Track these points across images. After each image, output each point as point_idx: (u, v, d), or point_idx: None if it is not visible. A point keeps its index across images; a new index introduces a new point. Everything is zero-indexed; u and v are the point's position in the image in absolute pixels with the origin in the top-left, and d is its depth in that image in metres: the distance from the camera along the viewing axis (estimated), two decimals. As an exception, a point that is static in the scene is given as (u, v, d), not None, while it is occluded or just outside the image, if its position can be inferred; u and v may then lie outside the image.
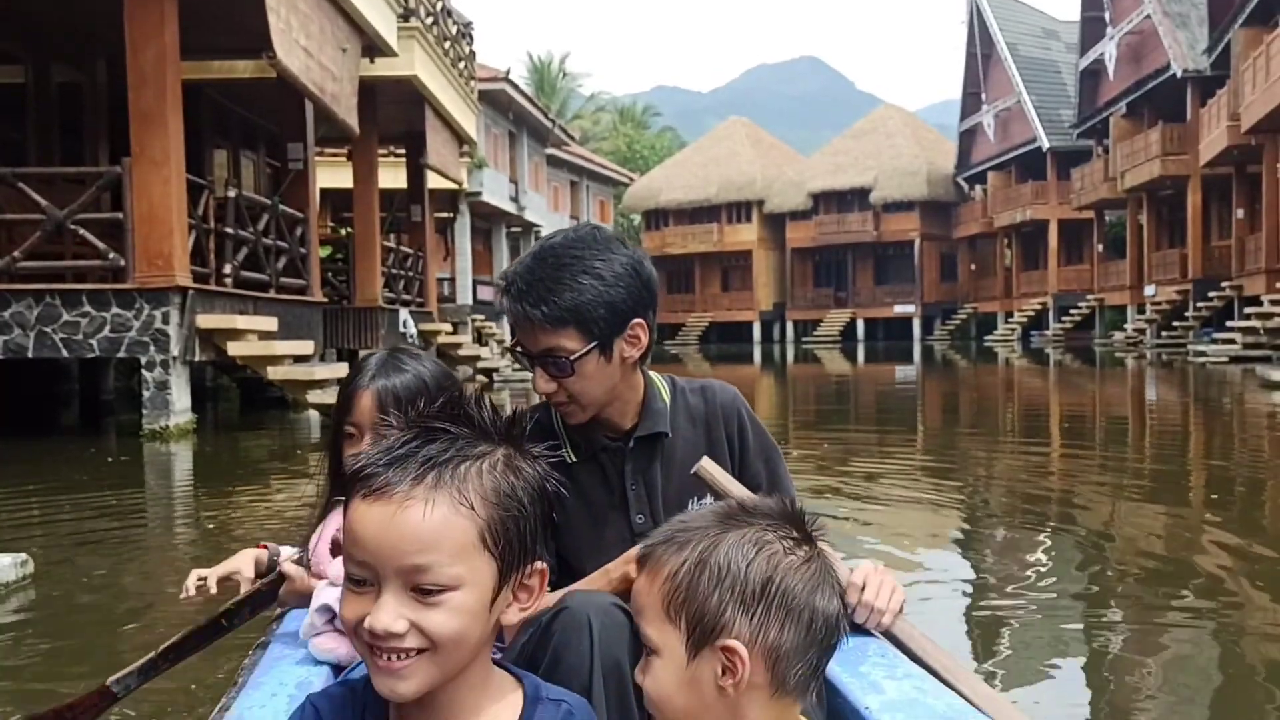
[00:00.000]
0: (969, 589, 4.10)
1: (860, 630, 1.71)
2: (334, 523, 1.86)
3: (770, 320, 52.96)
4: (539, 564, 1.06)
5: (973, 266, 49.85)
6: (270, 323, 11.38)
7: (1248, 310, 23.70)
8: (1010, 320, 44.32)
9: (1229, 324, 24.62)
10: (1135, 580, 4.18)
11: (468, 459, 1.00)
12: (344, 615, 1.01)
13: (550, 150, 41.64)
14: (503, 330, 33.30)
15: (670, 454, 1.87)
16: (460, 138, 19.79)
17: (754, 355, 38.47)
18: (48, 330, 9.73)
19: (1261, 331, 21.08)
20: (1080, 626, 3.57)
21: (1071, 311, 40.39)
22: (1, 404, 11.26)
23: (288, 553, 2.12)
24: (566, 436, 1.86)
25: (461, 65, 19.00)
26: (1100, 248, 39.42)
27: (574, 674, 1.44)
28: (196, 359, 10.14)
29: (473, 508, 0.98)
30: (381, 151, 18.34)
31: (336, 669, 1.74)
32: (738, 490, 1.75)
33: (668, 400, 1.90)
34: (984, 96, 47.54)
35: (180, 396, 9.89)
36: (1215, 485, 6.96)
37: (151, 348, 9.77)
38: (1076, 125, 39.77)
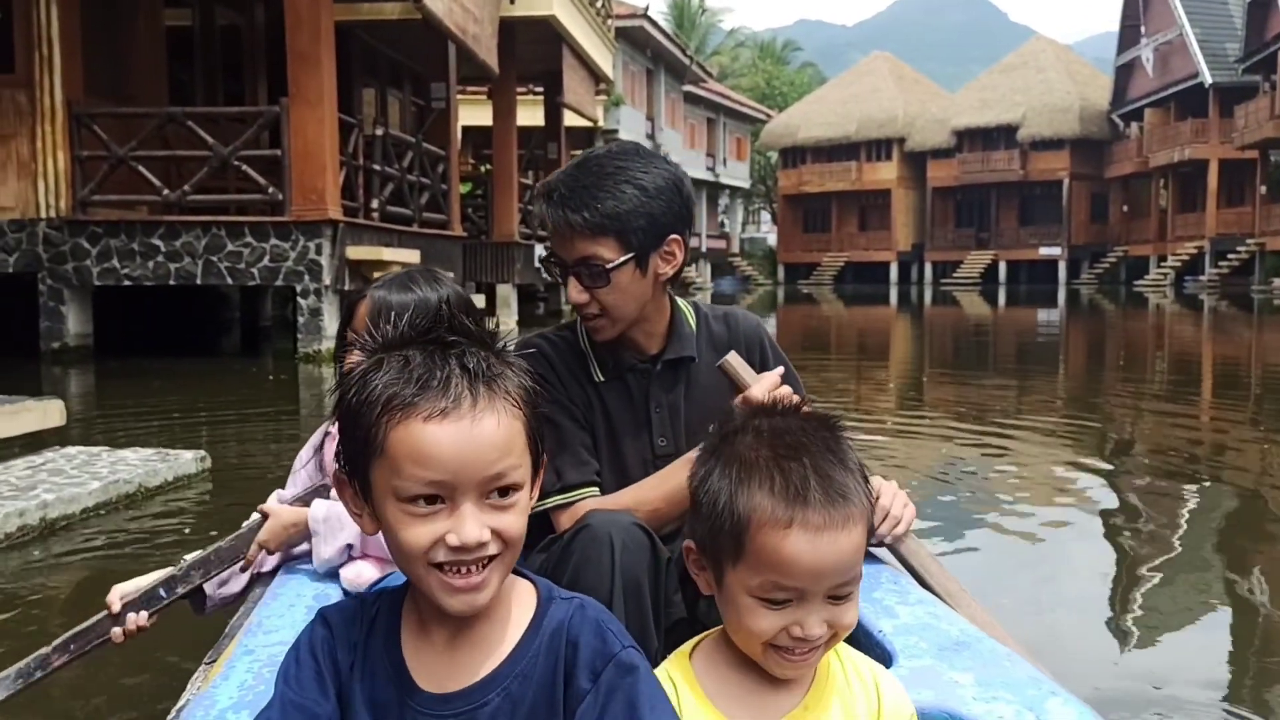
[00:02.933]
0: (1107, 543, 4.10)
1: (872, 558, 1.73)
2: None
3: (908, 261, 52.00)
4: (545, 458, 1.08)
5: (1125, 208, 47.81)
6: (413, 255, 12.00)
7: None
8: (1163, 264, 42.48)
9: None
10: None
11: (496, 365, 1.02)
12: (409, 541, 0.98)
13: (687, 87, 41.58)
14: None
15: (694, 379, 1.87)
16: (596, 76, 20.11)
17: (890, 296, 37.97)
18: (214, 259, 10.54)
19: None
20: (1221, 585, 3.54)
21: (1229, 256, 38.50)
22: (173, 328, 12.25)
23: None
24: (594, 355, 1.87)
25: (599, 4, 19.25)
26: (1263, 189, 37.34)
27: (593, 592, 1.43)
28: (346, 288, 10.84)
29: (519, 408, 1.01)
30: (520, 90, 18.81)
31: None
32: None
33: (694, 326, 1.91)
34: (1143, 29, 45.17)
35: (331, 322, 10.60)
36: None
37: (306, 277, 10.48)
38: (1242, 59, 37.53)
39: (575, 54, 17.78)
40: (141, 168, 10.47)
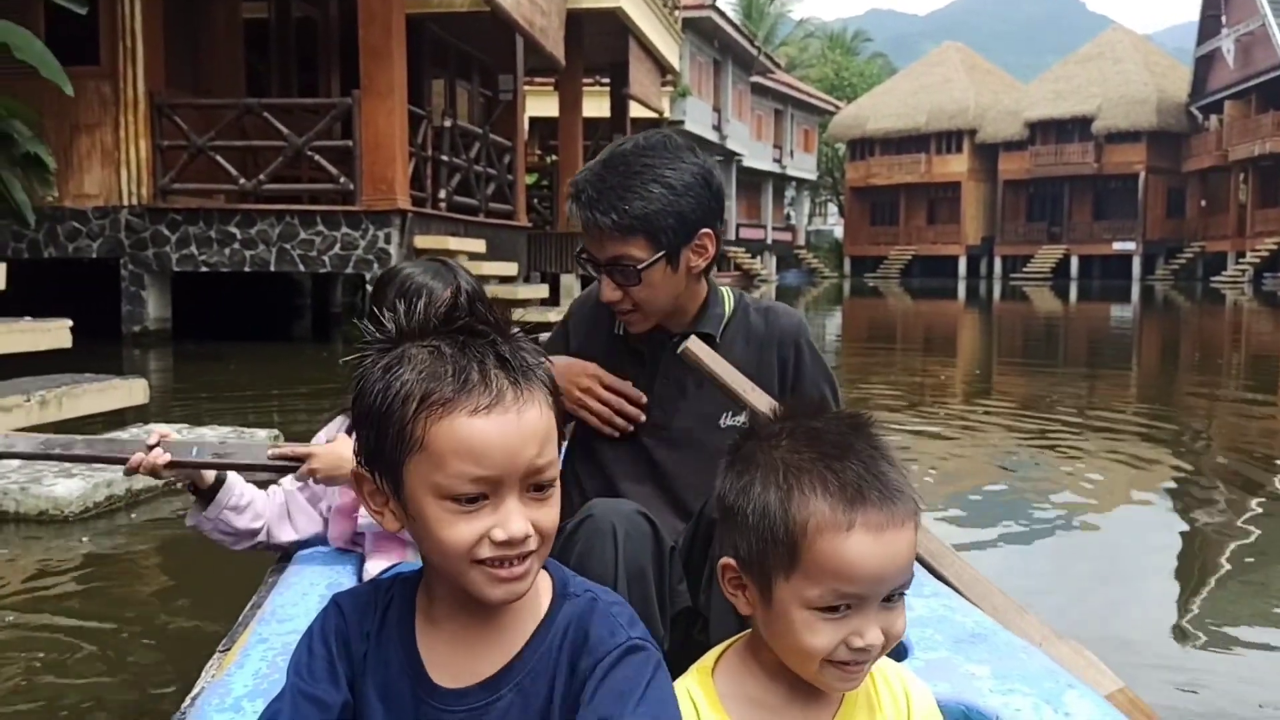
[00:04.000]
0: (1170, 543, 4.06)
1: None
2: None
3: (977, 255, 51.29)
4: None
5: (1203, 202, 46.63)
6: (479, 244, 12.22)
7: None
8: (1241, 260, 41.39)
9: None
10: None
11: (527, 356, 1.01)
12: (453, 538, 0.96)
13: (755, 78, 41.46)
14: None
15: None
16: (663, 67, 20.19)
17: (958, 291, 37.52)
18: (287, 247, 10.84)
19: None
20: None
21: (1311, 252, 37.41)
22: (248, 313, 12.62)
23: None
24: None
25: (666, -5, 19.32)
26: (1349, 184, 36.21)
27: (597, 581, 1.40)
28: (413, 276, 11.05)
29: (551, 397, 1.01)
30: (586, 81, 18.97)
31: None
32: (728, 376, 1.76)
33: (728, 311, 1.90)
34: (1224, 19, 43.97)
35: (399, 310, 10.83)
36: None
37: (375, 265, 10.75)
38: (1330, 49, 36.41)
39: (641, 45, 17.88)
40: (219, 157, 10.80)
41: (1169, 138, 46.55)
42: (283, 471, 1.91)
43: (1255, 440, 6.63)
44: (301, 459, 1.86)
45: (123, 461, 1.82)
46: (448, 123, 13.10)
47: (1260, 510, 4.65)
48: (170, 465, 1.79)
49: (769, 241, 47.72)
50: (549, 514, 1.00)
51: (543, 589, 1.06)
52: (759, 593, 1.06)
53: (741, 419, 1.80)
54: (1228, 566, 3.75)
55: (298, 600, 1.69)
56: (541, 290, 12.74)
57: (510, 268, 12.67)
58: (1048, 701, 1.31)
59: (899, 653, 1.44)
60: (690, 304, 1.86)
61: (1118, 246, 47.46)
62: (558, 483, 1.02)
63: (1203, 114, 46.35)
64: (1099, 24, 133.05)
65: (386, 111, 10.63)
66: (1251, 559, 3.87)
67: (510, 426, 0.96)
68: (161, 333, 11.01)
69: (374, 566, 1.81)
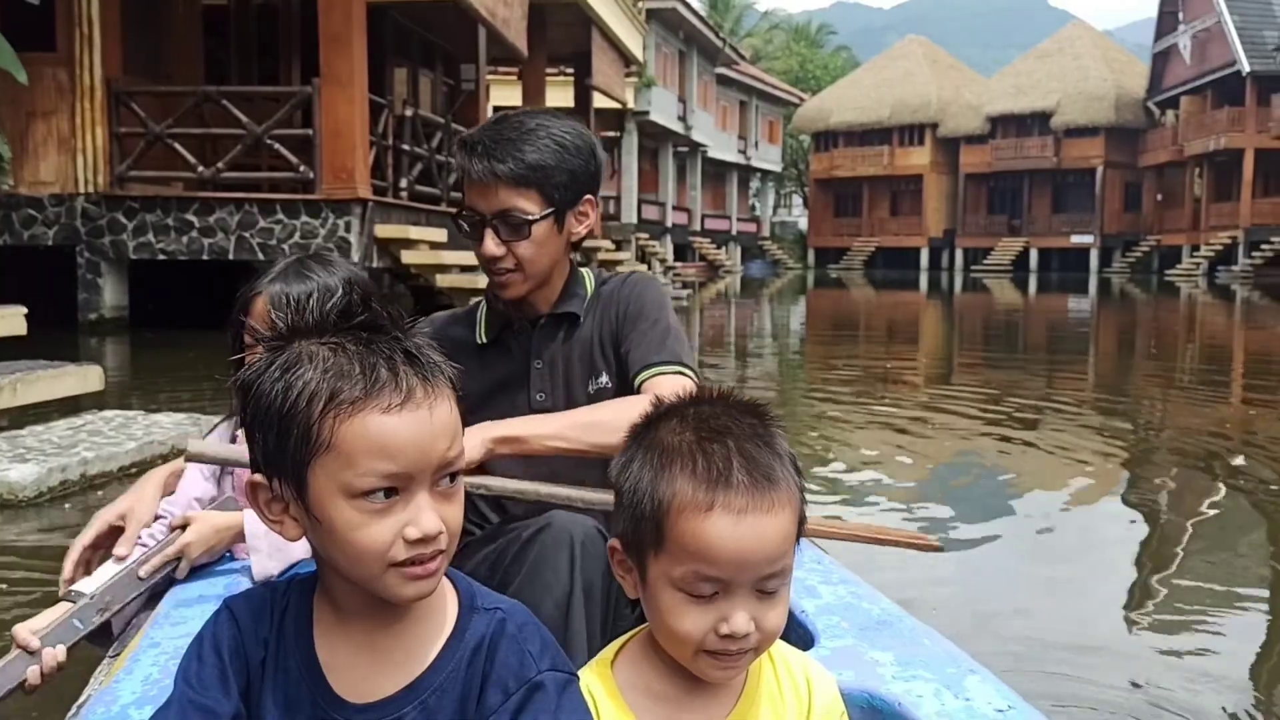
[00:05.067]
0: (1123, 531, 4.16)
1: None
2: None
3: (939, 247, 51.78)
4: None
5: (1159, 196, 47.35)
6: (440, 234, 12.23)
7: None
8: (1196, 254, 42.09)
9: None
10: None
11: (428, 350, 0.99)
12: (368, 540, 0.94)
13: (720, 69, 41.58)
14: (665, 249, 33.94)
15: (577, 336, 1.86)
16: (626, 58, 20.24)
17: (920, 282, 37.90)
18: (246, 235, 10.82)
19: None
20: (1246, 580, 3.56)
21: (1263, 246, 38.12)
22: (206, 302, 12.55)
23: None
24: (485, 319, 1.91)
25: (629, -14, 19.36)
26: (1300, 179, 36.94)
27: (548, 590, 1.44)
28: (374, 265, 11.08)
29: (454, 391, 0.99)
30: (550, 71, 18.98)
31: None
32: (236, 455, 1.67)
33: (589, 291, 1.90)
34: (1181, 15, 44.60)
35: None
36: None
37: (335, 254, 10.73)
38: (1282, 47, 37.07)
39: (604, 36, 17.93)
40: (177, 145, 10.74)
41: (1126, 133, 47.20)
42: (166, 580, 1.75)
43: (1206, 428, 6.81)
44: (177, 557, 1.75)
45: (19, 688, 1.53)
46: (409, 112, 13.10)
47: (1216, 495, 4.80)
48: (70, 648, 1.59)
49: (734, 232, 47.91)
50: (455, 512, 0.98)
51: (448, 599, 1.02)
52: (639, 573, 1.06)
53: (604, 380, 1.83)
54: (1183, 551, 3.87)
55: (193, 603, 1.62)
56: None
57: (471, 257, 12.67)
58: (948, 686, 1.33)
59: (806, 641, 1.45)
60: (558, 281, 1.86)
61: (1076, 240, 48.09)
62: (462, 479, 1.00)
63: (1160, 109, 47.04)
64: (1060, 19, 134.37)
65: (347, 100, 10.63)
66: (1206, 542, 4.01)
67: (423, 423, 0.94)
68: (118, 321, 10.96)
69: (262, 566, 1.72)
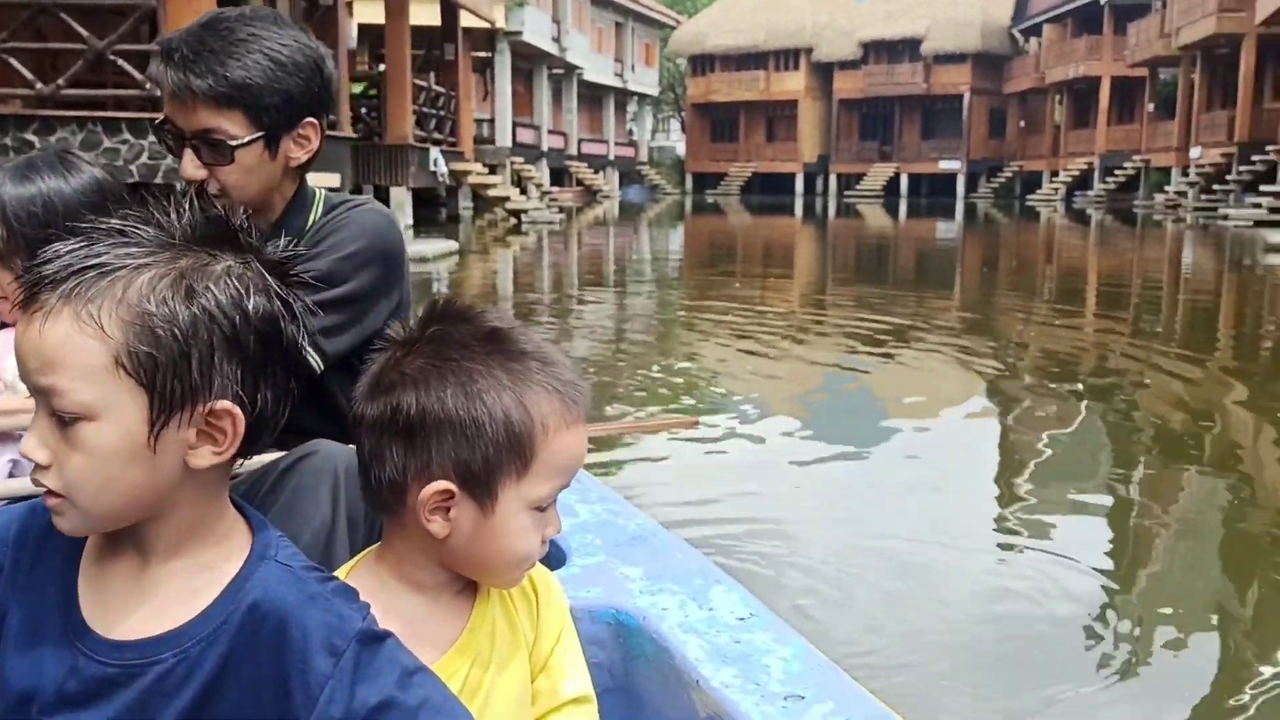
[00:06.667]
0: (994, 442, 4.42)
1: None
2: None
3: (814, 173, 52.46)
4: (223, 404, 0.87)
5: (1022, 123, 48.84)
6: (300, 155, 11.92)
7: (1284, 175, 23.49)
8: (1055, 180, 43.71)
9: (1262, 189, 24.41)
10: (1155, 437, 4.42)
11: (116, 269, 0.84)
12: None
13: (595, -10, 40.93)
14: (541, 173, 33.64)
15: None
16: (494, -24, 19.81)
17: (795, 208, 38.48)
18: (90, 156, 10.37)
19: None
20: (1102, 477, 3.84)
21: (1116, 172, 39.77)
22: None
23: None
24: None
25: (496, -99, 18.90)
26: (1151, 107, 38.51)
27: (307, 521, 1.34)
28: (229, 187, 10.75)
29: (101, 327, 0.83)
30: (416, -12, 18.49)
31: None
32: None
33: (315, 216, 1.70)
34: (1046, -56, 45.70)
35: (214, 222, 10.56)
36: (1199, 344, 7.46)
37: (79, 155, 10.38)
38: (1138, -23, 38.35)
39: (470, -47, 17.53)
40: (13, 60, 10.20)
41: (992, 60, 48.35)
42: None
43: (1062, 346, 7.20)
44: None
45: None
46: (264, 28, 12.65)
47: (1069, 410, 5.08)
48: None
49: (611, 157, 47.67)
50: (75, 464, 0.85)
51: (238, 542, 0.93)
52: (477, 507, 1.00)
53: None
54: (1040, 463, 4.08)
55: None
56: (365, 203, 12.59)
57: (333, 179, 12.45)
58: (693, 598, 1.36)
59: (558, 561, 1.47)
60: (280, 205, 1.67)
61: (944, 165, 49.30)
62: (95, 425, 0.84)
63: (1024, 37, 48.27)
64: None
65: (193, 13, 10.11)
66: (1061, 451, 4.25)
67: (21, 332, 0.85)
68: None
69: None
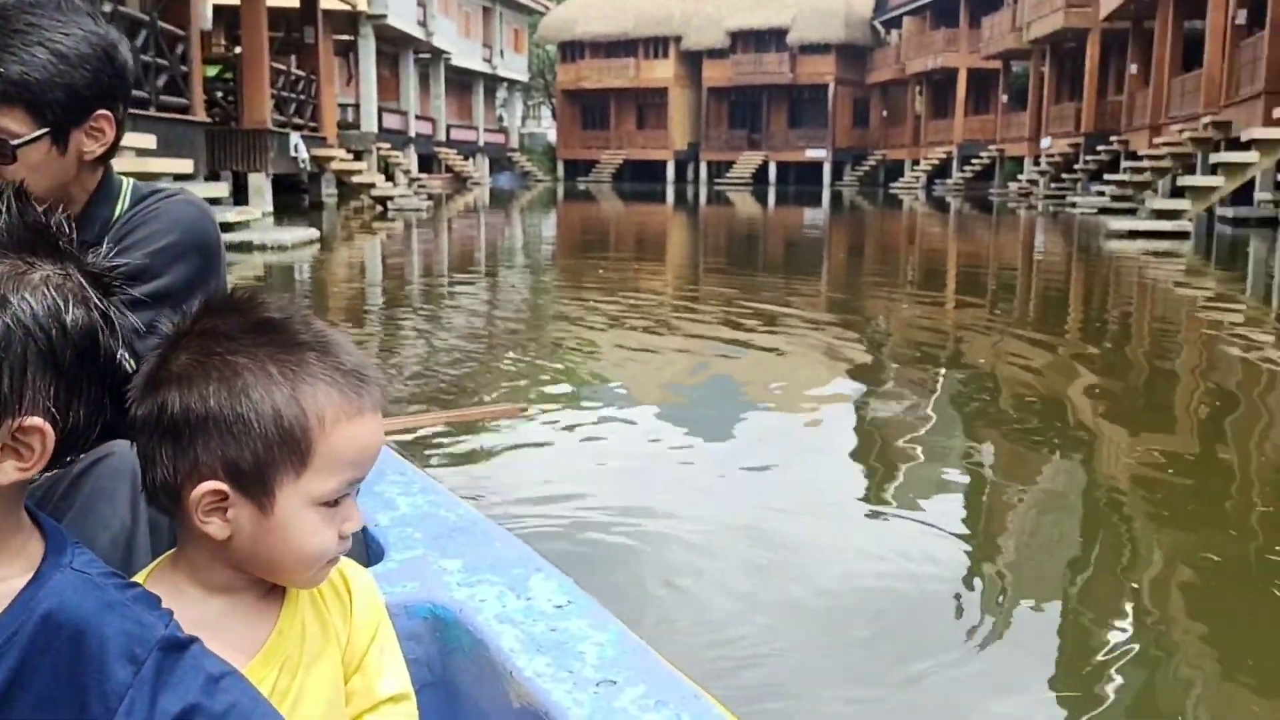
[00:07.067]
0: (861, 421, 4.50)
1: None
2: None
3: (684, 160, 52.90)
4: (33, 420, 0.83)
5: (884, 113, 50.17)
6: (148, 140, 11.44)
7: (1125, 165, 24.69)
8: (916, 168, 45.08)
9: (1106, 177, 25.64)
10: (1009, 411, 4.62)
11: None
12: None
13: (461, -26, 40.35)
14: (409, 160, 33.03)
15: None
16: (355, -43, 19.34)
17: (667, 195, 38.75)
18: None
19: (1130, 185, 22.11)
20: (962, 454, 3.97)
21: (973, 161, 41.23)
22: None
23: None
24: None
25: (356, -120, 18.44)
26: (1005, 99, 40.02)
27: (104, 526, 1.27)
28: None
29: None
30: (272, -32, 17.90)
31: None
32: None
33: (120, 209, 1.60)
34: (904, -62, 46.96)
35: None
36: (1033, 321, 7.74)
37: None
38: (991, -28, 39.74)
39: (330, -68, 17.05)
40: None
41: (856, 50, 49.51)
42: None
43: (925, 327, 7.41)
44: None
45: None
46: (108, 7, 12.05)
47: (933, 388, 5.23)
48: None
49: (481, 143, 47.12)
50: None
51: (30, 549, 0.88)
52: (255, 507, 0.96)
53: None
54: (905, 441, 4.16)
55: None
56: (219, 189, 12.12)
57: (185, 165, 11.96)
58: (512, 588, 1.34)
59: (376, 556, 1.43)
60: (80, 198, 1.57)
61: (810, 154, 50.31)
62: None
63: (885, 29, 49.56)
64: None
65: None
66: (925, 430, 4.35)
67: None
68: None
69: None
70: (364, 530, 1.46)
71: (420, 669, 1.28)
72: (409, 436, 3.67)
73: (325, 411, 0.95)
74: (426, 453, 3.63)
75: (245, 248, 11.46)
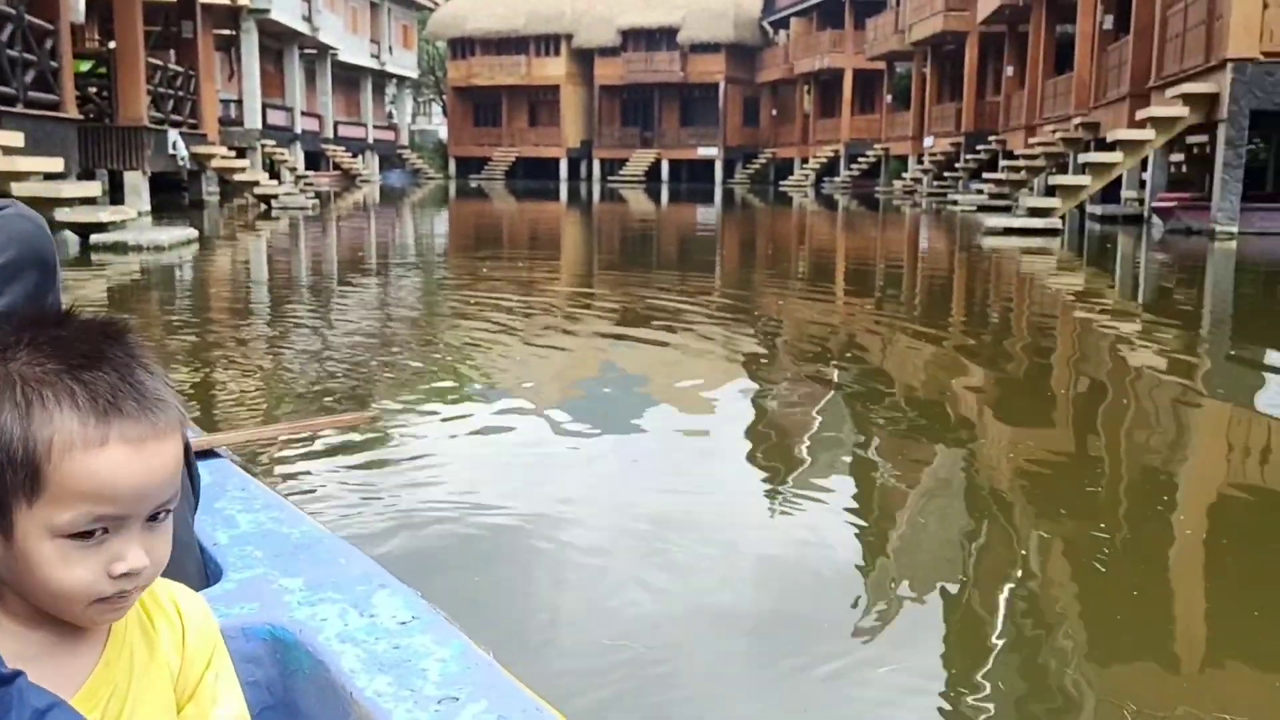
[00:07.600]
0: (756, 416, 4.53)
1: (214, 461, 1.67)
2: None
3: (577, 158, 52.89)
4: None
5: (774, 112, 50.92)
6: (15, 138, 10.97)
7: (1002, 164, 25.54)
8: (805, 166, 45.87)
9: (984, 176, 26.49)
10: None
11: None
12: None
13: (347, -32, 39.60)
14: (295, 157, 32.28)
15: None
16: (235, -51, 18.83)
17: (560, 192, 38.64)
18: None
19: (1006, 184, 22.90)
20: (854, 445, 4.07)
21: (860, 159, 42.14)
22: None
23: None
24: None
25: None
26: (889, 98, 40.99)
27: None
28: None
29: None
30: (147, -40, 17.31)
31: None
32: None
33: None
34: (791, -60, 47.70)
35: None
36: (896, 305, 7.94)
37: None
38: (874, -26, 40.65)
39: (207, -76, 16.56)
40: None
41: (745, 50, 50.14)
42: None
43: (816, 321, 7.55)
44: None
45: None
46: (-31, -3, 11.52)
47: (825, 381, 5.34)
48: None
49: (370, 140, 46.35)
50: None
51: None
52: (1, 534, 0.92)
53: None
54: (800, 434, 4.20)
55: None
56: (92, 189, 11.67)
57: (55, 164, 11.48)
58: (355, 605, 1.31)
59: (214, 576, 1.40)
60: None
61: (702, 152, 50.79)
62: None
63: (773, 29, 50.31)
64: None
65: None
66: (819, 422, 4.42)
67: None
68: None
69: None
70: (201, 550, 1.42)
71: (260, 692, 1.25)
72: (255, 448, 3.55)
73: (55, 439, 0.89)
74: (275, 467, 3.48)
75: (120, 248, 11.05)
